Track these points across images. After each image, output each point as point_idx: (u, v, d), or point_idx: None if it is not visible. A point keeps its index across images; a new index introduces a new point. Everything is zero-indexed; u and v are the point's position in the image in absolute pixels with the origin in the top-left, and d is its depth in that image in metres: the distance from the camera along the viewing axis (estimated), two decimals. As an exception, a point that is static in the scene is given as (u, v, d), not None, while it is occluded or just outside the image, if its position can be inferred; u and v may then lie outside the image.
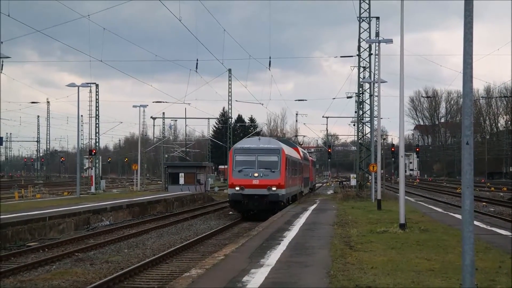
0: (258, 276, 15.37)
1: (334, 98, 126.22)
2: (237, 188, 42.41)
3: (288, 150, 50.00)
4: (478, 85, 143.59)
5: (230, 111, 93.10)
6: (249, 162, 44.16)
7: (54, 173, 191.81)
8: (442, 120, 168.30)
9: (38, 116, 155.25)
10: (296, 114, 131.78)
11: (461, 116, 15.58)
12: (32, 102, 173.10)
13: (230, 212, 50.84)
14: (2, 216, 33.49)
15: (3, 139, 55.01)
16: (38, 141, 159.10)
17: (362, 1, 60.10)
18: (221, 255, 19.49)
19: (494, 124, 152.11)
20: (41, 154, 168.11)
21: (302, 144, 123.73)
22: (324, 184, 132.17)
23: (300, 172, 60.87)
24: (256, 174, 42.90)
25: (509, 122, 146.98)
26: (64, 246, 29.85)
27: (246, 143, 48.28)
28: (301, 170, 63.00)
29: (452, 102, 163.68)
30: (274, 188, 42.23)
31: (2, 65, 54.13)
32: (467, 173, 13.52)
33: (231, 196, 44.17)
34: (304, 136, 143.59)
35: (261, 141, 46.95)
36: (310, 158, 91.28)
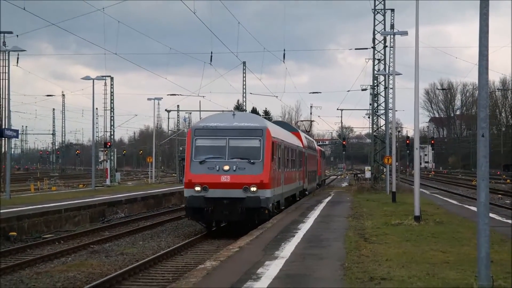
0: (273, 268, 15.33)
1: (348, 91, 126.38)
2: (197, 189, 27.50)
3: (277, 132, 33.85)
4: (494, 77, 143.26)
5: (244, 103, 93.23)
6: (216, 148, 28.88)
7: (70, 166, 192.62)
8: (458, 113, 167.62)
9: (54, 109, 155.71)
10: (311, 106, 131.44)
11: (477, 108, 15.51)
12: (48, 95, 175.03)
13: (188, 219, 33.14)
14: (19, 208, 33.74)
15: (19, 132, 55.09)
16: (53, 134, 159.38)
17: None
18: (236, 247, 19.50)
19: (510, 116, 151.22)
20: (56, 147, 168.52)
21: (315, 137, 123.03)
22: (339, 177, 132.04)
23: (301, 164, 45.60)
24: (226, 168, 27.81)
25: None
26: (80, 238, 30.12)
27: (213, 120, 30.57)
28: (303, 161, 47.84)
29: (467, 94, 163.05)
30: (253, 189, 27.29)
31: (18, 58, 54.42)
32: (482, 166, 13.46)
33: (188, 201, 28.40)
34: (311, 122, 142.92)
35: (236, 118, 30.13)
36: (318, 147, 73.79)
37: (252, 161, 27.99)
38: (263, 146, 28.31)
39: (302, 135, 53.06)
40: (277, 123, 48.81)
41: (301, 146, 47.75)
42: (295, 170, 41.85)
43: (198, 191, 27.42)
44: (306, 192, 51.30)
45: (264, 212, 27.88)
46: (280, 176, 32.76)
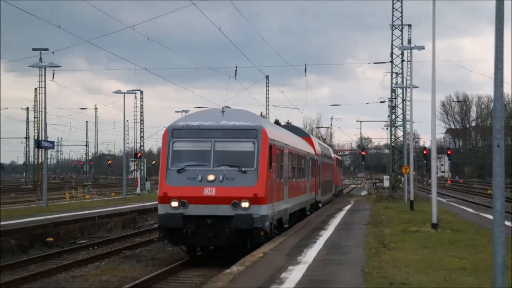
0: (295, 273, 15.30)
1: (367, 103, 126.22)
2: (174, 204, 20.97)
3: (277, 134, 25.80)
4: (508, 90, 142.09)
5: (267, 116, 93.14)
6: (199, 154, 21.99)
7: (102, 175, 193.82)
8: (473, 124, 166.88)
9: (87, 122, 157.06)
10: (331, 118, 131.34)
11: (492, 120, 15.47)
12: (81, 108, 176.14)
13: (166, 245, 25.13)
14: (55, 215, 33.98)
15: (55, 143, 55.74)
16: (87, 145, 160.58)
17: (394, 10, 59.75)
18: (260, 253, 19.38)
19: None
20: (89, 157, 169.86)
21: (335, 147, 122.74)
22: (358, 186, 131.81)
23: (313, 174, 38.50)
24: (211, 178, 21.09)
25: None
26: (112, 244, 30.25)
27: (196, 118, 23.37)
28: (316, 170, 40.73)
29: (482, 106, 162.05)
30: (245, 204, 20.76)
31: (53, 73, 54.88)
32: (498, 175, 13.37)
33: (162, 219, 21.76)
34: (327, 128, 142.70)
35: (225, 115, 22.88)
36: (335, 155, 67.30)
37: (243, 169, 20.69)
38: (257, 150, 21.00)
39: (315, 140, 46.09)
40: (287, 127, 43.04)
41: (313, 153, 40.05)
42: (304, 180, 34.14)
43: (175, 207, 20.31)
44: (320, 205, 43.73)
45: (259, 233, 20.54)
46: (282, 187, 25.34)
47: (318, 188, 42.03)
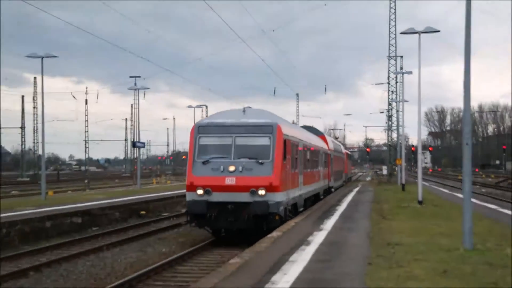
0: (319, 237, 15.33)
1: (371, 113, 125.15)
2: (199, 192, 18.79)
3: (292, 130, 22.90)
4: (474, 103, 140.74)
5: (298, 123, 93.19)
6: (221, 147, 19.67)
7: (179, 167, 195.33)
8: (448, 128, 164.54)
9: (168, 129, 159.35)
10: (344, 124, 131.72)
11: (462, 125, 15.37)
12: (164, 119, 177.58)
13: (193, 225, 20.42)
14: (146, 195, 34.51)
15: (145, 144, 58.14)
16: (168, 145, 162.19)
17: (390, 45, 59.43)
18: (293, 222, 19.27)
19: (484, 131, 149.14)
20: (170, 154, 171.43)
21: (347, 145, 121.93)
22: (364, 173, 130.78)
23: (326, 165, 35.28)
24: (231, 168, 18.94)
25: (495, 129, 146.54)
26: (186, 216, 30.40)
27: (220, 116, 21.10)
28: (329, 162, 37.53)
29: (455, 115, 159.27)
30: (261, 192, 18.50)
31: (144, 94, 56.59)
32: (466, 165, 13.41)
33: (189, 206, 19.43)
34: (339, 130, 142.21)
35: (246, 114, 20.57)
36: (345, 151, 64.06)
37: (260, 161, 18.07)
38: (273, 144, 18.39)
39: (329, 139, 42.37)
40: (305, 127, 38.16)
41: (326, 148, 36.65)
42: (318, 170, 30.84)
43: (200, 194, 17.89)
44: (332, 190, 40.17)
45: (274, 218, 17.94)
46: (297, 177, 22.31)
47: (331, 176, 38.47)
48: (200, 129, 18.84)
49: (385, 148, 76.14)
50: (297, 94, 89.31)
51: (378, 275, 9.83)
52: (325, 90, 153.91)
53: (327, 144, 37.37)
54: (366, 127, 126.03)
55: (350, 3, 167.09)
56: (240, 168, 17.63)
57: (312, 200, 28.43)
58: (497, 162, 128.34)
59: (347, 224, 18.84)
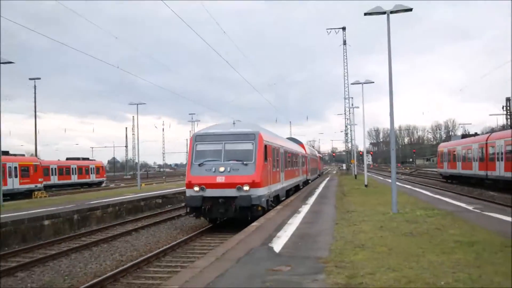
0: (305, 208, 15.35)
1: (335, 132, 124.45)
2: (196, 189, 14.97)
3: (272, 138, 18.46)
4: (396, 125, 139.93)
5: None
6: (214, 152, 15.79)
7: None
8: (381, 140, 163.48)
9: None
10: (319, 139, 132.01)
11: (389, 138, 15.49)
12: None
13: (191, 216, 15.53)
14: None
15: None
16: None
17: (345, 91, 59.30)
18: (288, 200, 18.99)
19: (402, 141, 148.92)
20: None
21: (321, 152, 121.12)
22: (332, 169, 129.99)
23: (304, 164, 30.79)
24: (221, 169, 15.14)
25: (409, 140, 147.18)
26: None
27: (214, 128, 16.93)
28: (306, 162, 32.89)
29: (385, 132, 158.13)
30: (246, 188, 14.72)
31: (198, 124, 56.41)
32: (392, 162, 13.57)
33: (188, 200, 15.22)
34: (314, 141, 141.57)
35: (235, 125, 16.74)
36: (319, 155, 59.58)
37: (245, 162, 14.76)
38: (255, 148, 15.04)
39: (307, 146, 37.53)
40: (289, 138, 32.27)
41: (304, 152, 32.12)
42: (298, 168, 26.25)
43: (197, 191, 14.63)
44: (309, 181, 35.53)
45: (257, 209, 14.55)
46: (278, 174, 18.36)
47: (308, 172, 34.13)
48: (197, 138, 15.34)
49: (344, 153, 75.56)
50: (290, 122, 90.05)
51: (341, 230, 9.96)
52: (307, 118, 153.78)
53: (305, 149, 33.48)
54: (332, 140, 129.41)
55: (322, 66, 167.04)
56: (229, 169, 14.29)
57: (293, 190, 24.35)
58: (410, 160, 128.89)
59: (322, 200, 18.74)
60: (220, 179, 14.11)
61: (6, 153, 32.73)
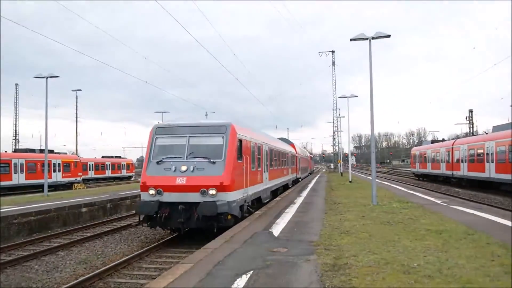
0: (300, 200, 15.21)
1: (325, 137, 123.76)
2: (151, 192, 8.84)
3: (247, 131, 11.16)
4: (376, 131, 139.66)
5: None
6: (176, 148, 9.34)
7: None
8: (363, 144, 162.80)
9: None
10: (311, 143, 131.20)
11: (370, 142, 15.36)
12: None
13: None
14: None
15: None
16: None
17: (334, 103, 59.18)
18: (286, 193, 18.84)
19: (380, 145, 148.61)
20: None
21: (313, 154, 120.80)
22: (322, 167, 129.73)
23: (294, 163, 25.97)
24: (183, 168, 8.85)
25: (386, 144, 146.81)
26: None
27: (179, 119, 10.21)
28: (296, 161, 27.99)
29: (366, 137, 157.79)
30: (212, 192, 8.64)
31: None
32: (372, 162, 13.48)
33: (140, 205, 8.95)
34: (306, 143, 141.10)
35: (207, 118, 11.13)
36: (310, 155, 54.36)
37: (212, 160, 9.71)
38: (225, 143, 10.03)
39: (297, 146, 31.86)
40: (280, 138, 27.15)
41: (294, 152, 27.00)
42: (287, 167, 21.29)
43: (152, 194, 9.68)
44: (300, 180, 30.44)
45: (226, 218, 9.38)
46: (260, 174, 13.44)
47: (298, 171, 29.18)
48: (157, 130, 10.41)
49: (332, 154, 75.46)
50: (288, 128, 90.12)
51: (330, 218, 9.88)
52: (302, 125, 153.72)
53: (295, 149, 28.53)
54: (322, 144, 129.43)
55: (314, 83, 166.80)
56: (192, 168, 9.54)
57: (282, 189, 19.88)
58: (387, 161, 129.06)
59: (314, 193, 18.65)
60: (181, 181, 9.32)
61: (51, 151, 33.60)
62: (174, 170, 9.51)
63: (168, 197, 9.37)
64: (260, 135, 14.03)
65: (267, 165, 14.44)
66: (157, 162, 9.82)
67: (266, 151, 14.48)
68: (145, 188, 9.51)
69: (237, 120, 11.01)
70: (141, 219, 9.66)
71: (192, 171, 9.44)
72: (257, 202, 12.66)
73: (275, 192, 17.45)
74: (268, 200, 14.46)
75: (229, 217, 9.32)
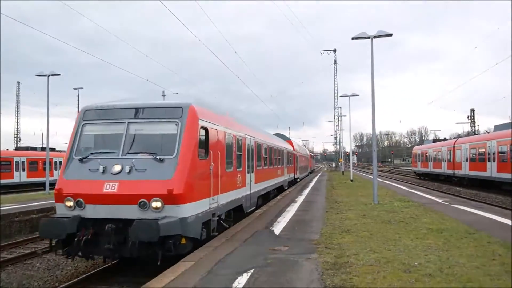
0: (301, 198, 15.19)
1: (326, 136, 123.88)
2: (69, 204, 4.90)
3: (218, 118, 6.89)
4: (377, 130, 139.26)
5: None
6: (109, 139, 5.30)
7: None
8: (365, 143, 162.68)
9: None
10: (313, 141, 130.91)
11: (372, 141, 15.35)
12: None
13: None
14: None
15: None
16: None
17: (335, 102, 59.22)
18: (288, 191, 18.75)
19: (382, 144, 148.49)
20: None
21: (314, 153, 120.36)
22: (323, 166, 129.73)
23: (291, 162, 22.47)
24: (116, 169, 4.98)
25: (388, 143, 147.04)
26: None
27: (118, 101, 5.66)
28: (294, 159, 24.42)
29: (368, 136, 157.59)
30: (155, 204, 4.87)
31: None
32: (374, 161, 13.49)
33: (45, 224, 4.86)
34: (306, 141, 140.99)
35: (164, 98, 5.93)
36: (310, 153, 50.40)
37: (160, 157, 5.36)
38: (180, 133, 5.51)
39: (295, 143, 28.18)
40: (275, 134, 24.17)
41: (292, 149, 23.43)
42: (282, 166, 17.88)
43: (69, 207, 5.28)
44: (298, 180, 27.10)
45: (178, 243, 5.36)
46: (239, 176, 9.04)
47: (297, 170, 25.68)
48: (86, 114, 6.75)
49: (333, 153, 75.16)
50: (289, 127, 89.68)
51: (331, 217, 9.89)
52: (303, 124, 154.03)
53: (292, 146, 24.72)
54: (324, 142, 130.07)
55: (316, 81, 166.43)
56: (128, 169, 5.97)
57: (275, 192, 16.63)
58: (389, 160, 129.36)
59: (315, 192, 18.62)
60: (111, 187, 5.89)
61: (53, 149, 33.51)
62: (103, 172, 5.96)
63: (92, 211, 5.91)
64: (242, 125, 10.18)
65: (253, 164, 10.81)
66: (80, 160, 6.25)
67: (252, 146, 10.76)
68: (60, 197, 6.06)
69: (203, 101, 7.17)
70: (53, 244, 6.17)
71: (129, 172, 5.87)
72: (240, 211, 9.23)
73: (267, 196, 14.03)
74: (253, 208, 10.81)
75: (184, 241, 5.89)
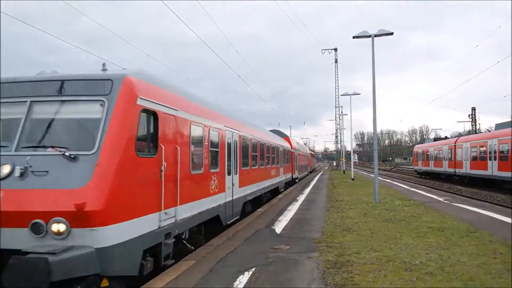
0: (302, 197, 15.18)
1: (327, 135, 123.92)
2: None
3: (173, 99, 4.11)
4: (378, 129, 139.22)
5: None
6: (3, 126, 2.64)
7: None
8: (366, 142, 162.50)
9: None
10: (314, 140, 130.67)
11: (373, 140, 15.36)
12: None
13: None
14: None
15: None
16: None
17: (336, 101, 59.01)
18: (289, 190, 18.78)
19: (383, 143, 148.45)
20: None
21: (315, 152, 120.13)
22: (324, 165, 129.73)
23: (289, 161, 20.13)
24: (4, 170, 2.45)
25: (389, 142, 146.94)
26: None
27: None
28: (292, 158, 21.94)
29: (369, 135, 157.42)
30: (59, 227, 2.29)
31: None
32: (375, 160, 13.49)
33: None
34: (307, 139, 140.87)
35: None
36: (310, 151, 48.20)
37: (71, 154, 2.66)
38: (106, 117, 2.77)
39: (293, 141, 25.82)
40: (272, 131, 20.52)
41: (289, 147, 21.10)
42: (277, 166, 15.70)
43: None
44: (297, 180, 25.00)
45: (94, 285, 2.84)
46: (221, 178, 7.02)
47: (295, 169, 23.31)
48: None
49: (334, 152, 75.20)
50: (290, 126, 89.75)
51: (332, 216, 9.90)
52: (304, 123, 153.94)
53: (290, 144, 22.27)
54: (325, 141, 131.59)
55: (317, 80, 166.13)
56: (20, 171, 3.31)
57: (269, 195, 14.59)
58: (390, 158, 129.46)
59: (316, 191, 18.62)
60: None
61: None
62: None
63: None
64: (221, 114, 7.92)
65: (236, 163, 8.72)
66: None
67: (236, 142, 8.67)
68: None
69: (151, 75, 4.91)
70: None
71: (21, 177, 3.71)
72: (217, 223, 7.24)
73: (259, 199, 12.06)
74: (236, 218, 8.50)
75: (105, 283, 3.86)
